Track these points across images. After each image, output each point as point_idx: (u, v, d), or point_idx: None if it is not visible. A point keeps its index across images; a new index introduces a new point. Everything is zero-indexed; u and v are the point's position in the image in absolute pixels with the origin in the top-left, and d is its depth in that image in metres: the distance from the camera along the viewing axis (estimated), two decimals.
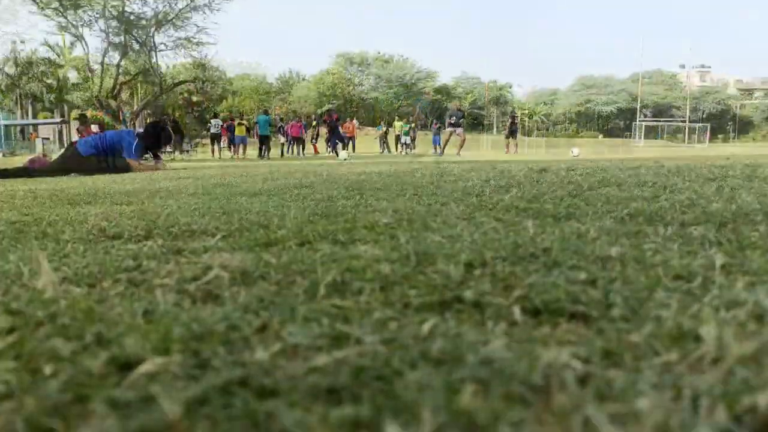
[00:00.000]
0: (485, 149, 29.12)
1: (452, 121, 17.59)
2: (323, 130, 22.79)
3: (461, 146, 17.36)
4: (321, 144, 24.80)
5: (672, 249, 1.12)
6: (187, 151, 32.29)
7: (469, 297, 0.82)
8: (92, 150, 6.38)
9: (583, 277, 0.91)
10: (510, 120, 23.86)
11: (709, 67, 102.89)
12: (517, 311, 0.76)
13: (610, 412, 0.45)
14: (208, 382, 0.54)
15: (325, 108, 23.16)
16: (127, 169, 6.29)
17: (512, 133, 22.72)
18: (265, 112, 22.21)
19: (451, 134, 17.52)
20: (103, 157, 6.36)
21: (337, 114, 22.40)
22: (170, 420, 0.46)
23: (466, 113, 19.08)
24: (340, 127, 21.93)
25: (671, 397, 0.49)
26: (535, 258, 1.07)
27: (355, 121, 25.42)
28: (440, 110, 72.23)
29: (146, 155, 7.13)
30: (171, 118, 7.15)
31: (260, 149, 21.15)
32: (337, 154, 18.85)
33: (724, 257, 1.01)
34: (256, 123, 21.89)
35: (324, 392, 0.52)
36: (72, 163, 6.28)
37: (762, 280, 0.88)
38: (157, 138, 7.01)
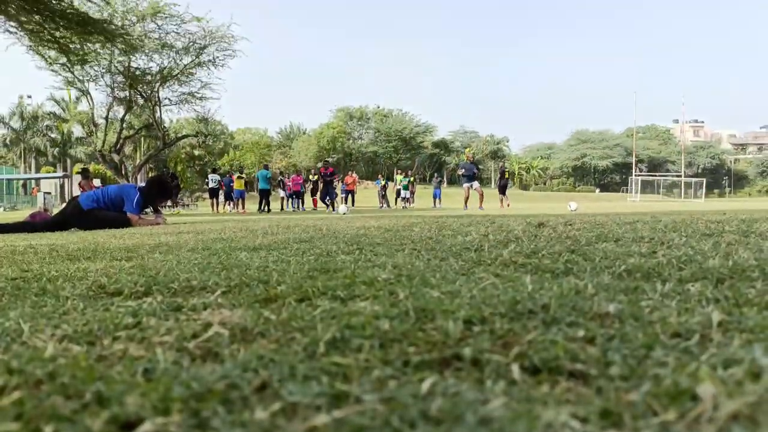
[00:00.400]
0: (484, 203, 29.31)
1: (466, 174, 17.13)
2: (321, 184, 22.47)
3: (481, 200, 16.90)
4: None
5: (670, 306, 1.13)
6: (187, 206, 32.56)
7: (468, 354, 0.83)
8: (93, 204, 6.40)
9: (582, 335, 0.92)
10: (499, 175, 23.35)
11: (702, 122, 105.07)
12: (516, 369, 0.76)
13: None
14: None
15: (320, 164, 22.76)
16: (127, 223, 6.29)
17: (502, 188, 21.79)
18: (266, 167, 22.62)
19: (468, 190, 17.06)
20: (104, 211, 6.39)
21: (332, 167, 21.97)
22: None
23: (479, 165, 18.68)
24: (336, 181, 21.89)
25: None
26: (533, 314, 1.08)
27: (354, 174, 25.66)
28: (438, 164, 73.15)
29: (147, 210, 7.16)
30: (169, 172, 7.16)
31: (260, 203, 21.45)
32: (333, 208, 18.92)
33: (722, 314, 1.02)
34: (256, 177, 22.29)
35: None
36: (73, 217, 6.30)
37: (759, 338, 0.88)
38: (160, 192, 7.03)
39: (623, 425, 0.57)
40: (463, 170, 17.28)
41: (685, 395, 0.64)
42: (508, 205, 20.19)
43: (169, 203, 19.06)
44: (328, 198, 20.86)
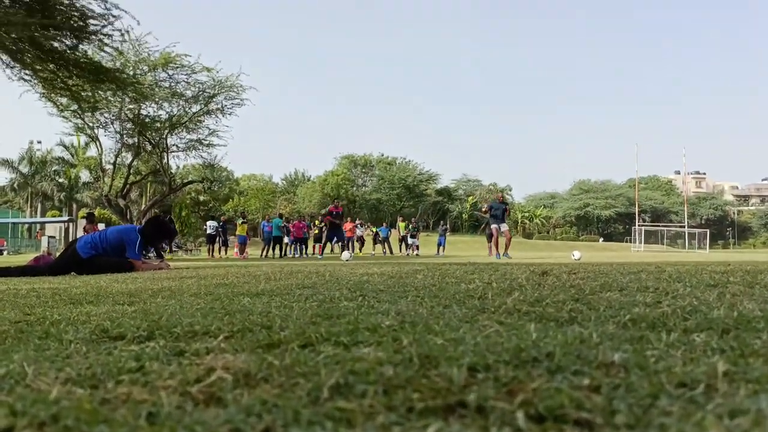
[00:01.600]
0: (486, 251, 29.34)
1: (494, 213, 15.13)
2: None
3: (507, 245, 14.79)
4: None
5: (675, 356, 1.12)
6: (190, 251, 32.60)
7: (472, 401, 0.82)
8: (92, 251, 6.19)
9: (587, 383, 0.91)
10: (486, 222, 23.52)
11: (704, 173, 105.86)
12: (521, 417, 0.76)
13: None
14: None
15: (326, 210, 20.97)
16: (129, 267, 6.22)
17: (489, 236, 21.29)
18: (280, 216, 23.23)
19: (497, 231, 14.99)
20: (104, 258, 6.21)
21: (341, 207, 20.78)
22: None
23: (509, 207, 16.15)
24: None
25: None
26: (538, 362, 1.07)
27: (358, 220, 25.65)
28: (442, 212, 73.35)
29: (149, 254, 7.11)
30: (167, 216, 6.95)
31: (273, 248, 22.00)
32: (344, 249, 18.62)
33: (727, 364, 1.02)
34: (262, 226, 22.57)
35: None
36: (73, 266, 6.18)
37: (765, 388, 0.88)
38: (159, 232, 6.87)
39: None
40: (493, 210, 15.21)
41: None
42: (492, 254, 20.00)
43: (165, 245, 19.25)
44: (336, 240, 19.56)
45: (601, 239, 71.80)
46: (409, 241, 25.22)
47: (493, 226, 15.23)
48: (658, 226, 59.05)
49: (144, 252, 6.82)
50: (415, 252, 24.61)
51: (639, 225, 47.98)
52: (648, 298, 2.15)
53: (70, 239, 27.45)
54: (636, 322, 1.58)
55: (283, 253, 22.57)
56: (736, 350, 1.17)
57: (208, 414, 0.79)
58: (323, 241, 19.70)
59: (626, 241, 63.09)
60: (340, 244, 19.95)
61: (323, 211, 21.01)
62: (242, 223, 23.70)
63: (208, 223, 24.77)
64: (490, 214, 15.34)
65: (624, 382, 0.92)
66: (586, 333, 1.38)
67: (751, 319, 1.55)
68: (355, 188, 75.36)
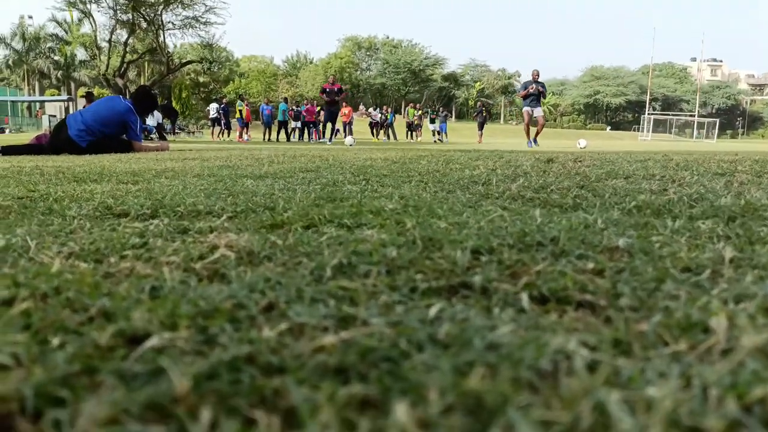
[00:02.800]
0: (493, 137, 29.00)
1: (532, 92, 12.44)
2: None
3: (538, 132, 12.72)
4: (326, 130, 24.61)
5: (680, 242, 1.12)
6: (192, 133, 32.36)
7: (476, 283, 0.82)
8: (89, 138, 5.85)
9: (591, 267, 0.91)
10: (477, 112, 23.05)
11: (721, 61, 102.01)
12: (524, 298, 0.76)
13: (619, 398, 0.45)
14: (215, 358, 0.54)
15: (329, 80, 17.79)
16: (129, 148, 6.04)
17: (480, 124, 21.78)
18: (285, 101, 22.59)
19: (530, 117, 12.69)
20: (104, 142, 5.94)
21: (338, 84, 17.37)
22: (179, 393, 0.46)
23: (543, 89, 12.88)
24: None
25: (681, 386, 0.48)
26: (542, 246, 1.07)
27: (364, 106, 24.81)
28: (448, 98, 71.81)
29: (151, 135, 6.95)
30: (165, 101, 6.58)
31: (283, 132, 21.63)
32: (331, 137, 16.95)
33: (733, 251, 1.01)
34: (261, 111, 22.06)
35: (331, 371, 0.52)
36: (71, 153, 5.87)
37: None
38: (148, 103, 6.39)
39: (633, 354, 0.57)
40: (532, 88, 12.49)
41: (696, 327, 0.63)
42: (480, 141, 19.94)
43: (169, 127, 19.08)
44: (330, 125, 17.19)
45: (609, 128, 70.82)
46: (432, 126, 24.11)
47: (526, 109, 12.84)
48: (668, 115, 57.93)
49: (146, 132, 6.58)
50: (444, 140, 23.92)
51: (648, 114, 47.03)
52: (654, 186, 2.13)
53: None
54: (641, 209, 1.56)
55: (289, 137, 22.28)
56: (742, 237, 1.16)
57: (212, 289, 0.79)
58: (323, 124, 17.73)
59: (634, 130, 62.24)
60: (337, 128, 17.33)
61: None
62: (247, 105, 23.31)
63: (211, 105, 24.38)
64: (530, 94, 12.58)
65: (628, 267, 0.92)
66: (590, 219, 1.37)
67: (758, 207, 1.53)
68: (359, 72, 73.18)
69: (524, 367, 0.52)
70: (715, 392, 0.46)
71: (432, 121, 24.19)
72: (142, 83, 39.49)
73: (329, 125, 17.29)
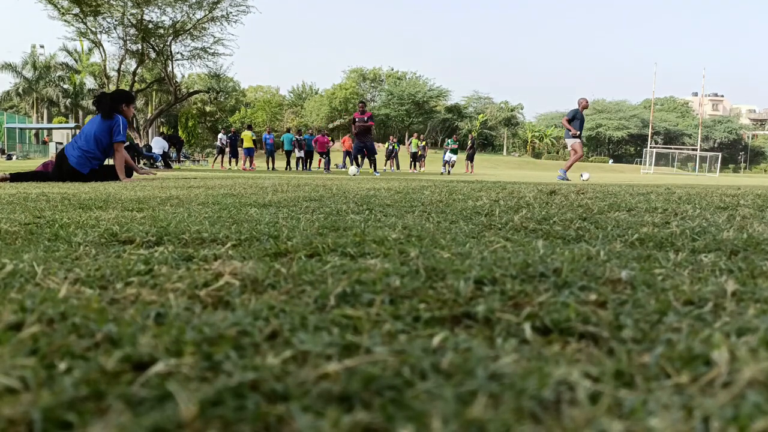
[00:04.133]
0: (495, 169, 29.18)
1: (575, 123, 11.18)
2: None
3: (571, 163, 11.49)
4: (337, 159, 24.79)
5: (682, 275, 1.12)
6: (198, 161, 32.63)
7: (479, 313, 0.83)
8: (92, 164, 5.87)
9: (594, 299, 0.91)
10: (469, 144, 23.93)
11: (722, 96, 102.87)
12: (527, 329, 0.76)
13: (622, 429, 0.45)
14: (220, 384, 0.54)
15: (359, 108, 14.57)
16: (130, 175, 6.03)
17: (469, 156, 22.98)
18: (288, 131, 22.97)
19: (581, 147, 11.33)
20: (107, 167, 5.97)
21: (369, 112, 14.72)
22: (185, 418, 0.46)
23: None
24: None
25: (682, 418, 0.48)
26: (544, 277, 1.07)
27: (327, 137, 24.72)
28: (451, 129, 72.43)
29: (157, 164, 7.00)
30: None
31: (288, 162, 22.08)
32: (374, 167, 14.68)
33: (735, 284, 1.01)
34: (264, 140, 22.41)
35: (335, 399, 0.52)
36: (75, 180, 5.87)
37: None
38: (122, 98, 6.16)
39: (635, 386, 0.57)
40: (573, 119, 11.22)
41: (698, 360, 0.63)
42: (472, 172, 20.95)
43: (174, 156, 19.38)
44: (361, 157, 14.68)
45: (611, 161, 71.10)
46: (446, 157, 23.82)
47: (569, 141, 11.45)
48: (670, 148, 58.21)
49: (152, 159, 6.62)
50: (421, 168, 24.38)
51: (650, 147, 47.26)
52: (656, 219, 2.14)
53: None
54: (644, 242, 1.57)
55: (288, 165, 22.67)
56: (744, 271, 1.17)
57: (216, 316, 0.79)
58: (353, 157, 14.77)
59: (636, 163, 62.49)
60: (370, 158, 14.50)
61: (330, 126, 18.70)
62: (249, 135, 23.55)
63: (219, 135, 24.69)
64: (571, 124, 11.27)
65: (631, 299, 0.92)
66: (593, 250, 1.37)
67: (760, 241, 1.54)
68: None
69: (527, 397, 0.52)
70: (717, 424, 0.47)
71: (454, 152, 23.73)
72: (150, 112, 39.98)
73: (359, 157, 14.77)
